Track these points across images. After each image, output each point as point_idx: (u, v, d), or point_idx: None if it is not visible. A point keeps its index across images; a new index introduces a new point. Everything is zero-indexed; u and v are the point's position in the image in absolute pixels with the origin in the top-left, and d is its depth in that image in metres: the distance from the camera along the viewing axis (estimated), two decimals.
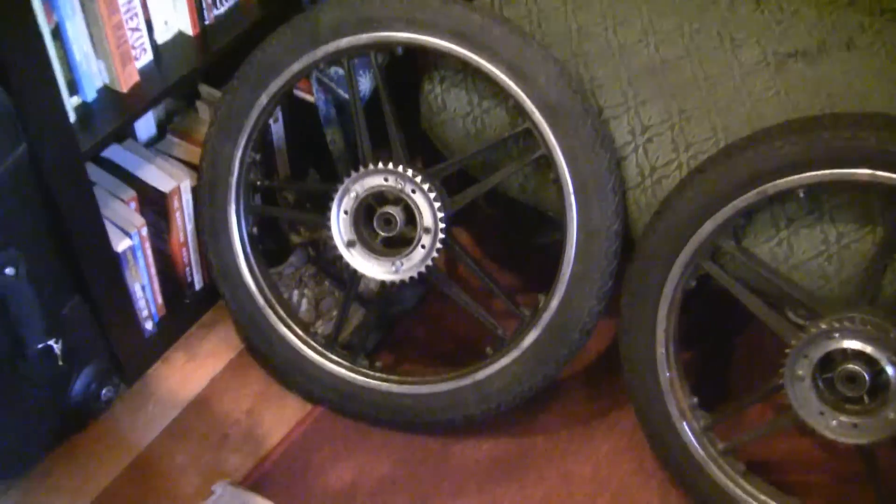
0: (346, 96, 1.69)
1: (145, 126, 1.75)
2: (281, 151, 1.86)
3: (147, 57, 1.57)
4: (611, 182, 1.49)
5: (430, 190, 1.53)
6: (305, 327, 1.72)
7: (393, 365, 1.80)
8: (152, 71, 1.58)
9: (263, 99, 1.62)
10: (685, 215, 1.43)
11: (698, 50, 1.58)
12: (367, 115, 1.62)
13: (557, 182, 1.50)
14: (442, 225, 1.54)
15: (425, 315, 1.86)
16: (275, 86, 1.61)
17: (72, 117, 1.47)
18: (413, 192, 1.54)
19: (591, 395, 1.77)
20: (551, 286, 1.55)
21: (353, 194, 1.57)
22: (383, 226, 1.58)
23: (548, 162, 1.51)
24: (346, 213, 1.59)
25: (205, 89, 1.78)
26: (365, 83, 1.72)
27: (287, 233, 1.83)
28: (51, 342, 1.50)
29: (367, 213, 1.60)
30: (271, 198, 1.86)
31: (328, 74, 1.73)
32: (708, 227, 1.41)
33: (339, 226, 1.60)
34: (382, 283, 1.61)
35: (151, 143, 1.76)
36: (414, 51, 1.56)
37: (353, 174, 1.57)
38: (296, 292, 1.78)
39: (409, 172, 1.53)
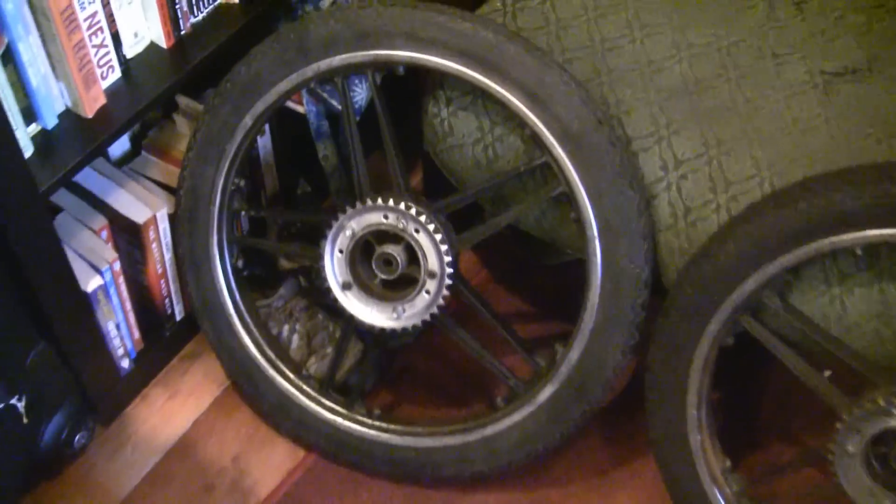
0: (340, 108, 1.50)
1: (117, 142, 1.57)
2: (268, 165, 1.69)
3: (115, 75, 1.39)
4: (640, 224, 1.31)
5: (435, 230, 1.35)
6: (297, 368, 1.56)
7: (392, 405, 1.64)
8: (121, 91, 1.39)
9: (248, 120, 1.44)
10: (725, 268, 1.26)
11: (736, 67, 1.40)
12: (363, 130, 1.44)
13: (579, 222, 1.33)
14: (449, 269, 1.37)
15: (428, 346, 1.70)
16: (261, 105, 1.43)
17: (29, 149, 1.30)
18: (416, 231, 1.37)
19: (609, 440, 1.61)
20: (570, 336, 1.38)
21: (348, 232, 1.40)
22: (383, 267, 1.41)
23: (569, 199, 1.33)
24: (340, 252, 1.42)
25: (183, 101, 1.60)
26: (360, 93, 1.54)
27: (276, 258, 1.65)
28: (13, 400, 1.35)
29: (364, 250, 1.43)
30: (260, 220, 1.69)
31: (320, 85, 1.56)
32: (751, 283, 1.25)
33: (334, 266, 1.43)
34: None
35: (125, 161, 1.58)
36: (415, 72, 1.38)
37: (349, 210, 1.39)
38: (286, 327, 1.61)
39: (413, 210, 1.36)
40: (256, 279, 1.64)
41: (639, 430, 1.52)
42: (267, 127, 1.65)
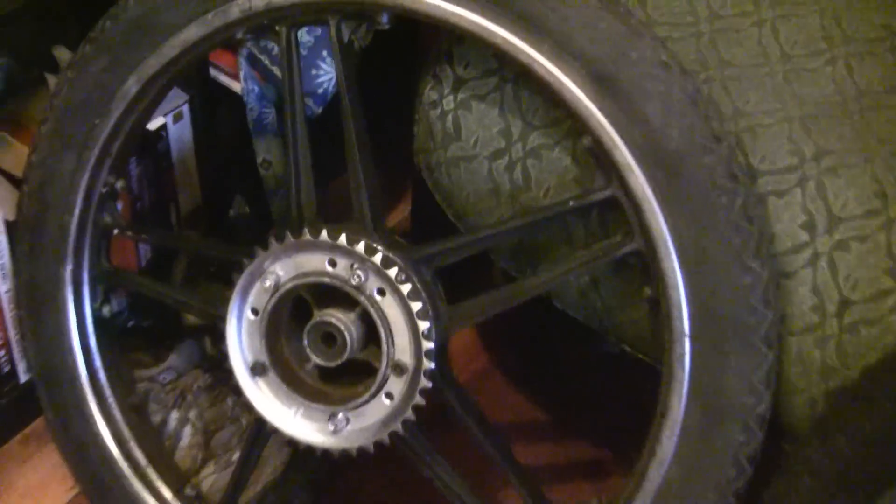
0: None
1: None
2: (185, 167, 1.14)
3: None
4: (761, 319, 0.75)
5: (412, 294, 0.80)
6: (180, 480, 1.00)
7: None
8: None
9: (132, 85, 0.89)
10: None
11: None
12: (324, 130, 0.91)
13: (659, 305, 0.77)
14: (429, 364, 0.81)
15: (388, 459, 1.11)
16: (154, 62, 0.88)
17: None
18: (380, 293, 0.81)
19: None
20: (620, 494, 0.82)
21: (269, 282, 0.84)
22: (320, 345, 0.85)
23: (643, 265, 0.78)
24: (254, 313, 0.86)
25: (64, 54, 1.06)
26: (328, 73, 1.00)
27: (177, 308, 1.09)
28: None
29: (295, 314, 0.87)
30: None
31: (266, 49, 1.02)
32: None
33: (241, 335, 0.87)
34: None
35: None
36: (410, 26, 0.83)
37: (273, 246, 0.84)
38: (175, 415, 1.05)
39: (377, 257, 0.80)
40: (144, 334, 1.08)
41: None
42: (187, 111, 1.10)
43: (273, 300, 0.85)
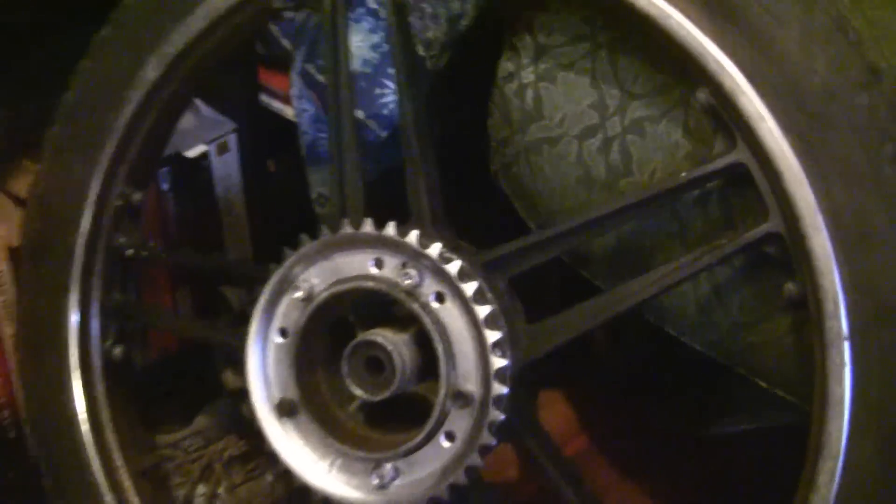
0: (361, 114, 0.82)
1: None
2: (233, 211, 0.99)
3: None
4: None
5: (478, 297, 0.62)
6: None
7: None
8: None
9: (151, 69, 0.75)
10: None
11: None
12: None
13: (802, 310, 0.58)
14: (501, 389, 0.62)
15: None
16: (177, 40, 0.74)
17: None
18: (438, 298, 0.63)
19: None
20: None
21: (300, 292, 0.67)
22: (362, 373, 0.66)
23: (783, 256, 0.59)
24: (282, 335, 0.68)
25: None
26: (391, 95, 0.85)
27: (219, 363, 0.92)
28: None
29: (333, 337, 0.69)
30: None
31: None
32: None
33: (264, 365, 0.69)
34: None
35: None
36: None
37: (306, 245, 0.67)
38: (201, 490, 0.86)
39: (434, 248, 0.62)
40: (173, 394, 0.91)
41: None
42: (234, 141, 0.96)
43: (306, 317, 0.67)
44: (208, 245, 1.00)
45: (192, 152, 0.95)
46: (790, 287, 0.59)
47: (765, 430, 0.94)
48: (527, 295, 0.68)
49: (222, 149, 0.97)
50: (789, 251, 0.58)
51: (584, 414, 1.05)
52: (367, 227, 0.64)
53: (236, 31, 0.75)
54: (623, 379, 1.06)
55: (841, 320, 0.56)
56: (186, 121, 0.94)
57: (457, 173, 0.77)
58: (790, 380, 0.65)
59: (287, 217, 1.04)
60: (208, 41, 0.74)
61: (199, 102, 0.96)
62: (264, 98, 0.97)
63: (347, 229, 0.65)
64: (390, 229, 0.64)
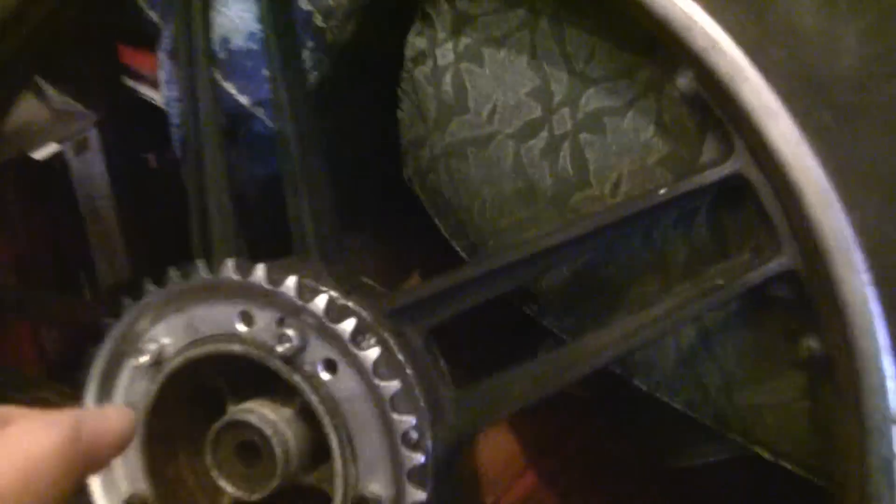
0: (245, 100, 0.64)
1: None
2: (101, 221, 0.81)
3: None
4: None
5: (384, 369, 0.44)
6: None
7: None
8: None
9: None
10: None
11: None
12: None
13: (825, 370, 0.41)
14: (417, 495, 0.45)
15: None
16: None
17: None
18: (328, 367, 0.46)
19: None
20: None
21: (145, 357, 0.49)
22: (233, 463, 0.49)
23: (798, 298, 0.42)
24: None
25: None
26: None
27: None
28: None
29: (197, 409, 0.52)
30: None
31: None
32: None
33: None
34: None
35: None
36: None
37: (151, 292, 0.49)
38: None
39: (320, 299, 0.45)
40: None
41: None
42: (95, 137, 0.78)
43: (156, 388, 0.49)
44: (70, 261, 0.82)
45: (42, 153, 0.76)
46: (808, 343, 0.43)
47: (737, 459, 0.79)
48: (453, 335, 0.51)
49: (81, 146, 0.78)
50: (808, 294, 0.42)
51: (529, 445, 0.88)
52: (228, 269, 0.47)
53: None
54: (575, 398, 0.89)
55: (888, 398, 0.40)
56: (33, 114, 0.76)
57: (375, 176, 0.61)
58: (801, 452, 0.49)
59: (180, 223, 0.87)
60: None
61: (48, 91, 0.78)
62: (129, 82, 0.79)
63: (203, 274, 0.48)
64: (258, 273, 0.46)
